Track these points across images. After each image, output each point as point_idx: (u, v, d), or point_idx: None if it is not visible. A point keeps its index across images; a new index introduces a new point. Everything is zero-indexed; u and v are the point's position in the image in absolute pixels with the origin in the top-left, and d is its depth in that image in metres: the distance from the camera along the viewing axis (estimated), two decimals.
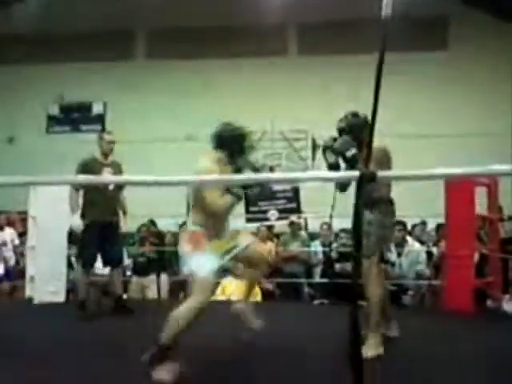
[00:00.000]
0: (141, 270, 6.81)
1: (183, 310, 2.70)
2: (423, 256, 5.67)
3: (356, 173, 1.23)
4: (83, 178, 3.28)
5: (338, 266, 5.79)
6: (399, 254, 5.51)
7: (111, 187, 4.41)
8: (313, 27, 10.43)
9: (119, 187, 4.53)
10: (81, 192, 4.41)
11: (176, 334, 2.67)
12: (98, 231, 4.35)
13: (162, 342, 2.66)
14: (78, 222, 4.32)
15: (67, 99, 11.64)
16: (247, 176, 2.71)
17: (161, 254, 7.01)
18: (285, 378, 2.76)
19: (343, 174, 2.31)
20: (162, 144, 10.23)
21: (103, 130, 11.55)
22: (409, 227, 7.56)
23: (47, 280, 5.17)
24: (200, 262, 2.82)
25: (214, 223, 2.95)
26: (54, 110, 11.77)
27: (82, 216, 4.36)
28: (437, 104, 10.26)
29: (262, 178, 2.44)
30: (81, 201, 4.45)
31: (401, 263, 5.49)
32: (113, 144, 4.48)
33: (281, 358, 3.05)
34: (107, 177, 4.07)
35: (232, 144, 3.00)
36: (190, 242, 2.91)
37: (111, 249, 4.47)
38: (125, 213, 4.64)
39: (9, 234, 7.18)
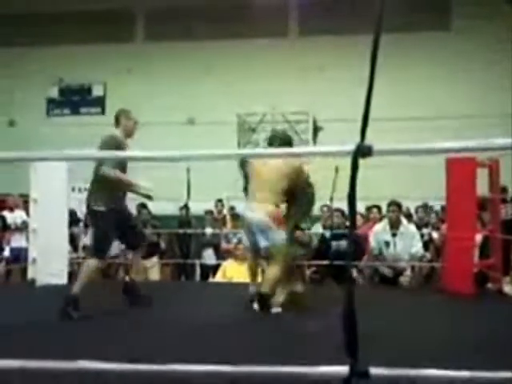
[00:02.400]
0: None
1: (271, 276, 3.63)
2: (417, 237, 5.66)
3: (352, 146, 1.24)
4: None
5: (334, 243, 5.86)
6: (394, 235, 5.52)
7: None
8: (314, 8, 10.31)
9: None
10: None
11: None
12: (116, 217, 3.94)
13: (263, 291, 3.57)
14: None
15: (67, 82, 11.58)
16: (247, 151, 2.72)
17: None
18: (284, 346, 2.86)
19: (340, 147, 2.40)
20: (163, 127, 10.17)
21: (103, 112, 11.55)
22: (412, 210, 7.61)
23: (49, 262, 5.18)
24: (280, 236, 3.61)
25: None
26: (54, 93, 11.73)
27: (99, 200, 3.92)
28: (440, 85, 10.18)
29: (261, 153, 2.43)
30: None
31: (395, 244, 5.49)
32: (137, 124, 4.28)
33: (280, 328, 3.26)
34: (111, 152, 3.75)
35: None
36: (271, 217, 3.58)
37: (131, 233, 4.15)
38: (148, 196, 4.33)
39: (19, 215, 7.25)
